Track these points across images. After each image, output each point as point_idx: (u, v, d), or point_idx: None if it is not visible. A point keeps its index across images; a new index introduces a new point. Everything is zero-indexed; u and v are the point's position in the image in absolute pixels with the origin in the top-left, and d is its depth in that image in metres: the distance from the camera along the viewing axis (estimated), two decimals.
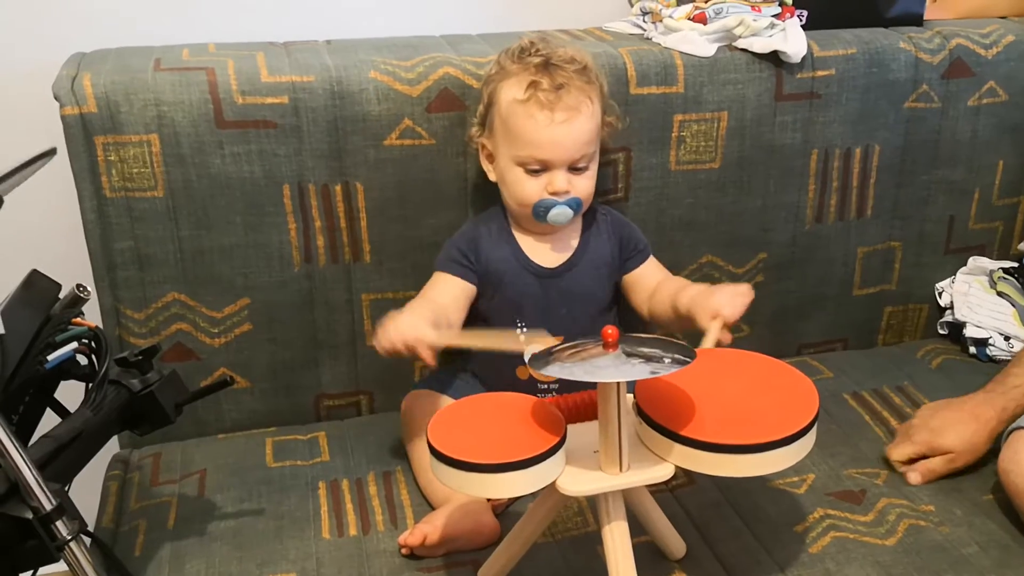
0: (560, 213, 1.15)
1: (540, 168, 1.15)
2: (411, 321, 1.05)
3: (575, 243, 1.23)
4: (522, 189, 1.16)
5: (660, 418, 0.91)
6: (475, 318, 1.24)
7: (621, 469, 0.90)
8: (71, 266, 1.22)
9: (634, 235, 1.27)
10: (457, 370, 1.30)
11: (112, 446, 1.21)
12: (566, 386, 1.15)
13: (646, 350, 0.88)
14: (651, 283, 1.25)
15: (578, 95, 1.13)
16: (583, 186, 1.16)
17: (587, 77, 1.16)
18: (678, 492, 1.18)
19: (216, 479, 1.21)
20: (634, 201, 1.36)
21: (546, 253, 1.22)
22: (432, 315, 1.09)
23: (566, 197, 1.15)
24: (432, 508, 1.13)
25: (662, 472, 0.90)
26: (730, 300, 1.09)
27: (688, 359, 0.86)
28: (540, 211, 1.16)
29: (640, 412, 0.93)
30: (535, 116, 1.13)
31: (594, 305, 1.24)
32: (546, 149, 1.13)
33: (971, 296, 1.50)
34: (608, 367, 0.84)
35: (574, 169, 1.15)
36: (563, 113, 1.12)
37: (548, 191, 1.15)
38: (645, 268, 1.26)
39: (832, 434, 1.28)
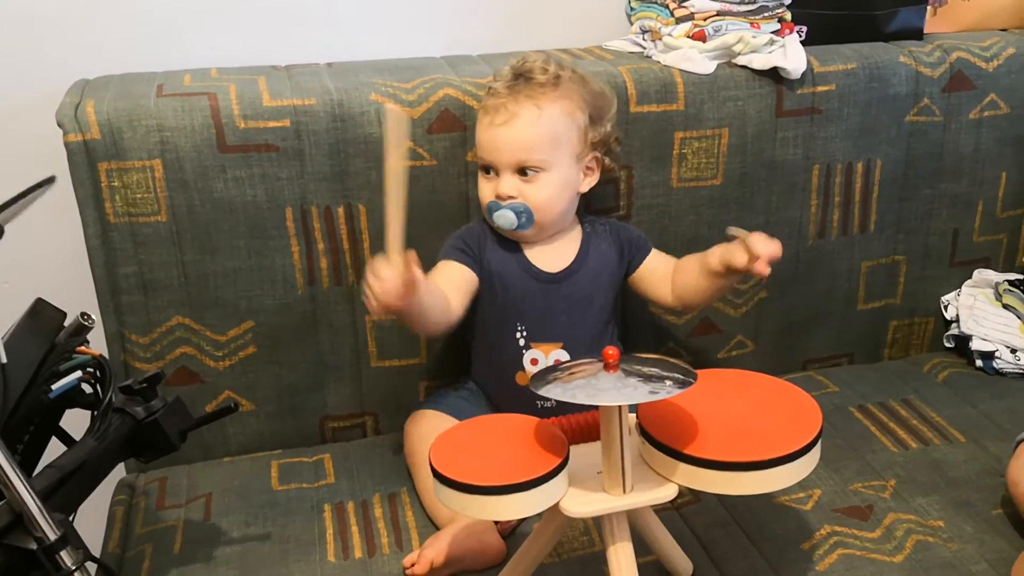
0: (501, 216, 1.18)
1: (490, 170, 1.19)
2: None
3: (575, 250, 1.25)
4: (479, 190, 1.21)
5: (663, 438, 0.90)
6: (477, 321, 1.26)
7: (625, 490, 0.90)
8: (75, 292, 1.23)
9: (632, 235, 1.28)
10: (460, 387, 1.31)
11: (118, 470, 1.21)
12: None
13: (647, 370, 0.88)
14: (665, 268, 1.26)
15: (525, 101, 1.16)
16: (532, 194, 1.17)
17: (555, 87, 1.17)
18: (684, 510, 1.17)
19: (222, 503, 1.21)
20: (636, 219, 1.36)
21: (548, 258, 1.24)
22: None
23: (510, 202, 1.17)
24: (437, 529, 1.13)
25: (666, 493, 0.90)
26: (766, 239, 1.08)
27: (690, 380, 0.86)
28: (489, 212, 1.19)
29: (643, 432, 0.93)
30: (482, 120, 1.19)
31: (594, 312, 1.25)
32: (487, 151, 1.18)
33: (977, 309, 1.50)
34: (610, 389, 0.84)
35: (523, 175, 1.17)
36: (502, 116, 1.16)
37: (495, 194, 1.18)
38: (652, 258, 1.27)
39: (838, 448, 1.28)
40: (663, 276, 1.26)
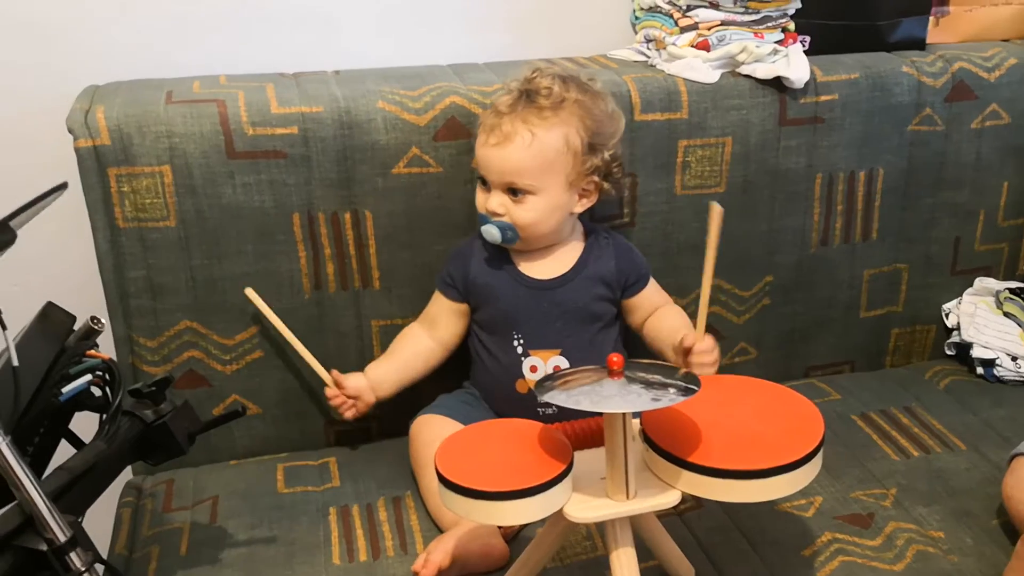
0: (487, 230, 1.21)
1: (485, 183, 1.20)
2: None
3: (573, 260, 1.25)
4: (476, 197, 1.23)
5: (667, 444, 0.91)
6: (476, 331, 1.28)
7: (628, 496, 0.90)
8: (85, 296, 1.24)
9: (635, 261, 1.28)
10: (463, 392, 1.32)
11: (125, 473, 1.22)
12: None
13: (652, 377, 0.89)
14: (649, 305, 1.29)
15: (519, 125, 1.16)
16: (520, 215, 1.19)
17: (555, 112, 1.17)
18: (685, 515, 1.18)
19: (228, 505, 1.22)
20: (640, 226, 1.37)
21: (541, 267, 1.25)
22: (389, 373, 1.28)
23: (497, 219, 1.19)
24: (441, 532, 1.14)
25: (669, 499, 0.91)
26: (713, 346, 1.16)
27: (694, 388, 0.87)
28: (479, 222, 1.22)
29: (646, 438, 0.94)
30: (479, 135, 1.21)
31: (591, 320, 1.26)
32: (481, 166, 1.21)
33: (978, 317, 1.51)
34: (614, 396, 0.85)
35: (514, 195, 1.18)
36: (496, 137, 1.17)
37: (485, 207, 1.20)
38: (645, 294, 1.29)
39: (840, 456, 1.29)
40: (645, 312, 1.29)
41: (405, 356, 1.29)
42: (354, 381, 1.26)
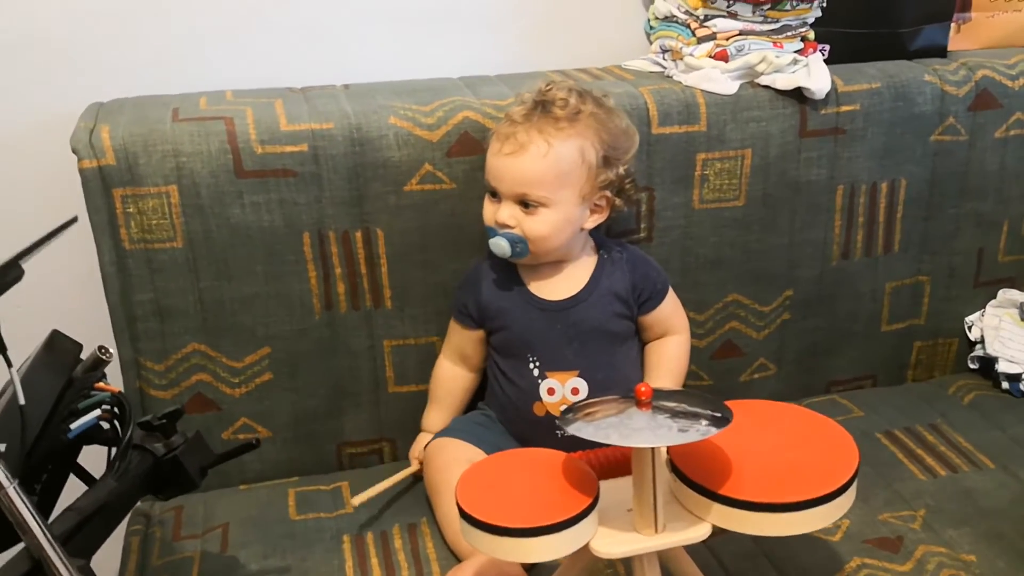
0: (494, 243, 1.18)
1: (495, 194, 1.17)
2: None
3: (585, 279, 1.22)
4: (484, 211, 1.20)
5: (696, 476, 0.88)
6: (492, 354, 1.26)
7: (656, 530, 0.87)
8: (90, 319, 1.22)
9: (650, 276, 1.25)
10: (478, 413, 1.29)
11: None
12: None
13: (682, 408, 0.86)
14: (660, 329, 1.27)
15: (535, 135, 1.14)
16: (530, 227, 1.16)
17: (571, 124, 1.14)
18: (711, 541, 1.14)
19: (239, 533, 1.19)
20: (658, 241, 1.34)
21: (552, 287, 1.22)
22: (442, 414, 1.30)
23: (506, 231, 1.16)
24: (459, 561, 1.11)
25: (699, 532, 0.88)
26: None
27: (725, 416, 0.84)
28: (488, 235, 1.19)
29: (674, 468, 0.91)
30: (492, 144, 1.18)
31: (608, 339, 1.22)
32: (492, 177, 1.17)
33: (1002, 330, 1.48)
34: (643, 429, 0.82)
35: (525, 207, 1.16)
36: (510, 146, 1.15)
37: (495, 219, 1.17)
38: (658, 314, 1.26)
39: (866, 476, 1.25)
40: (656, 334, 1.27)
41: (454, 398, 1.30)
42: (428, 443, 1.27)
